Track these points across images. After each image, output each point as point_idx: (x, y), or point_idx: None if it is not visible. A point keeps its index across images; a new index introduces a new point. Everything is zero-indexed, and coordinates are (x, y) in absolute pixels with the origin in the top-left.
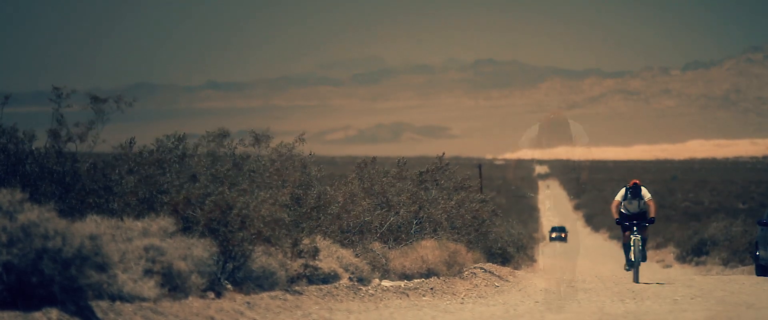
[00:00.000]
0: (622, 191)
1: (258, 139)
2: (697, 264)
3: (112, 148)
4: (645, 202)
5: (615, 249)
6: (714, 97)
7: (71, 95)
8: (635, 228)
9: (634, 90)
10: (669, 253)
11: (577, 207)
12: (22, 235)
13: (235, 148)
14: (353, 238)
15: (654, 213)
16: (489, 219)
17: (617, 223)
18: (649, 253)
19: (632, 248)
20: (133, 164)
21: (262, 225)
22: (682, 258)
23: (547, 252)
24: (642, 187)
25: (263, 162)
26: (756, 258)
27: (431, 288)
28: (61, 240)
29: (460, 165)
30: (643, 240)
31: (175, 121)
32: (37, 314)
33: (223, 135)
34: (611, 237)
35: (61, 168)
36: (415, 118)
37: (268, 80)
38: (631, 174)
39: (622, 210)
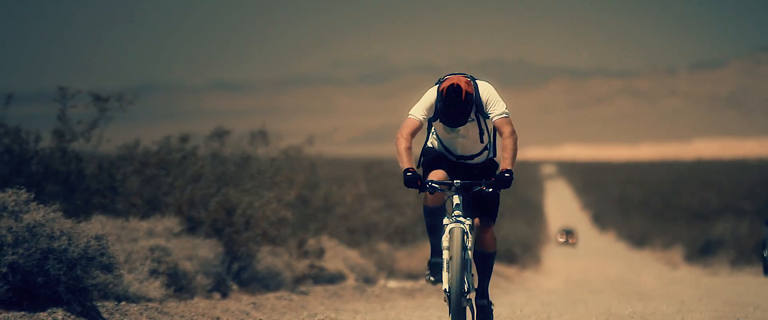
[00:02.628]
0: (430, 96)
1: (258, 138)
2: (704, 264)
3: (116, 149)
4: (487, 127)
5: (621, 249)
6: (721, 97)
7: (76, 95)
8: (456, 199)
9: (641, 90)
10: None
11: (584, 207)
12: (28, 235)
13: (241, 147)
14: (360, 239)
15: (511, 161)
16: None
17: (409, 184)
18: (649, 255)
19: (448, 253)
20: (138, 165)
21: (266, 226)
22: (689, 259)
23: (553, 253)
24: (479, 82)
25: (266, 163)
26: (763, 259)
27: (437, 289)
28: (66, 241)
29: None
30: (480, 230)
31: (180, 121)
32: (42, 314)
33: (222, 134)
34: (619, 237)
35: (66, 169)
36: None
37: (274, 80)
38: (637, 174)
39: (430, 144)
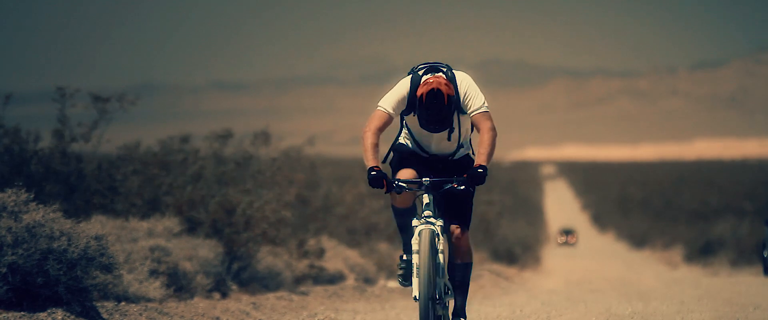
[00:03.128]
0: (403, 88)
1: (261, 138)
2: (704, 264)
3: (116, 149)
4: (460, 123)
5: (621, 249)
6: (721, 97)
7: (75, 95)
8: (426, 198)
9: (641, 90)
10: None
11: (584, 207)
12: (28, 236)
13: (241, 148)
14: (360, 239)
15: (486, 157)
16: (495, 221)
17: (374, 184)
18: (649, 255)
19: (417, 257)
20: (138, 165)
21: (266, 226)
22: (689, 259)
23: (553, 253)
24: (456, 73)
25: (267, 163)
26: (763, 259)
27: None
28: (66, 241)
29: None
30: (454, 237)
31: (180, 122)
32: (42, 314)
33: (226, 136)
34: (619, 237)
35: (66, 169)
36: None
37: (274, 80)
38: (637, 174)
39: (402, 141)
